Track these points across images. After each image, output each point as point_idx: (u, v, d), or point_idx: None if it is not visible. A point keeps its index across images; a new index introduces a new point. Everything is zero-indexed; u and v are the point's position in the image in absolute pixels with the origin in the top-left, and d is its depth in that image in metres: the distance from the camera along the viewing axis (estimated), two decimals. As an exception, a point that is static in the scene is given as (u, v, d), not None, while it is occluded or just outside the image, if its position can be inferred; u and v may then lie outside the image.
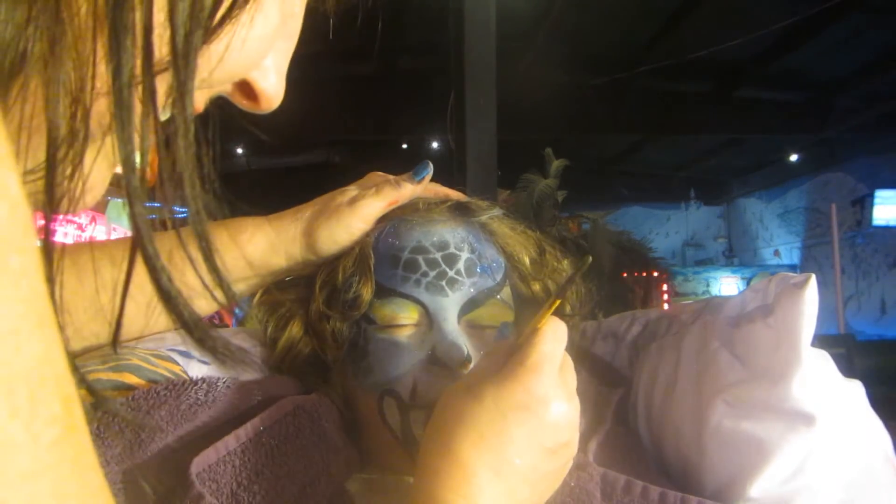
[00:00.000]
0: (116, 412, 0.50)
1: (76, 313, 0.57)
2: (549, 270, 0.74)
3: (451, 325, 0.64)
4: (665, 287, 4.66)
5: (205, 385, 0.59)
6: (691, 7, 4.59)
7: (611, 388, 0.75)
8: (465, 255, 0.67)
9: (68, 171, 0.26)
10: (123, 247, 0.64)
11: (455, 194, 0.77)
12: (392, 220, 0.70)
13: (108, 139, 0.28)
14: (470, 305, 0.66)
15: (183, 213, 0.28)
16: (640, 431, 0.74)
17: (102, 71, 0.25)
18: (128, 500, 0.50)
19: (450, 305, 0.65)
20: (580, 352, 0.81)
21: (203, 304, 0.64)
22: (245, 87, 0.34)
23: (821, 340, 0.59)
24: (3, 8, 0.23)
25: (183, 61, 0.26)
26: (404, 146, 7.15)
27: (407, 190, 0.71)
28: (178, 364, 0.64)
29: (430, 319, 0.65)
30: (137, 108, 0.26)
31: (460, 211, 0.72)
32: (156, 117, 0.26)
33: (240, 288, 0.70)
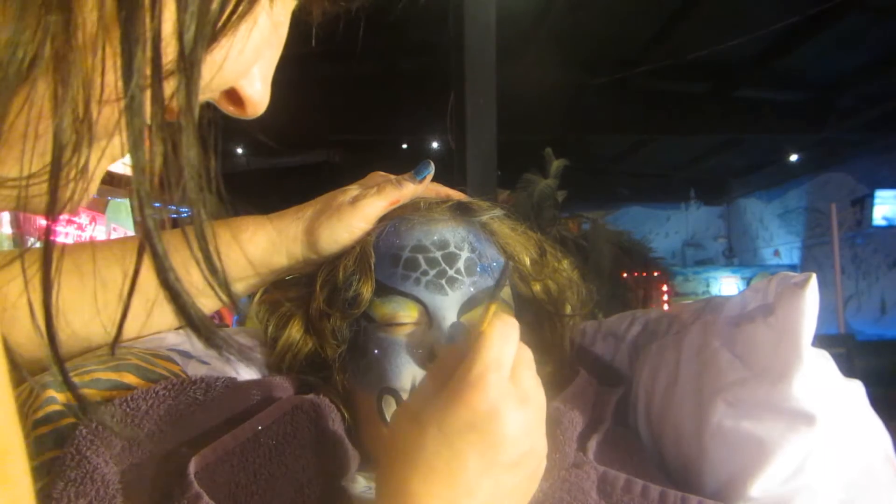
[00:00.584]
0: (103, 422, 0.50)
1: (78, 313, 0.57)
2: (550, 271, 0.75)
3: (451, 323, 0.64)
4: (665, 287, 4.67)
5: (203, 385, 0.59)
6: (691, 7, 4.59)
7: (611, 387, 0.75)
8: (465, 254, 0.67)
9: (72, 174, 0.26)
10: (123, 247, 0.64)
11: (456, 194, 0.77)
12: (393, 220, 0.70)
13: (110, 141, 0.29)
14: (469, 304, 0.66)
15: (185, 213, 0.29)
16: (641, 431, 0.74)
17: (110, 78, 0.26)
18: (126, 500, 0.50)
19: (449, 304, 0.65)
20: (580, 352, 0.81)
21: (206, 303, 0.64)
22: (231, 94, 0.35)
23: (821, 340, 0.59)
24: (15, 14, 0.23)
25: (191, 68, 0.27)
26: (404, 146, 7.14)
27: (408, 189, 0.71)
28: (177, 364, 0.64)
29: (429, 318, 0.65)
30: (146, 113, 0.26)
31: (461, 211, 0.72)
32: (164, 122, 0.27)
33: (240, 287, 0.70)
